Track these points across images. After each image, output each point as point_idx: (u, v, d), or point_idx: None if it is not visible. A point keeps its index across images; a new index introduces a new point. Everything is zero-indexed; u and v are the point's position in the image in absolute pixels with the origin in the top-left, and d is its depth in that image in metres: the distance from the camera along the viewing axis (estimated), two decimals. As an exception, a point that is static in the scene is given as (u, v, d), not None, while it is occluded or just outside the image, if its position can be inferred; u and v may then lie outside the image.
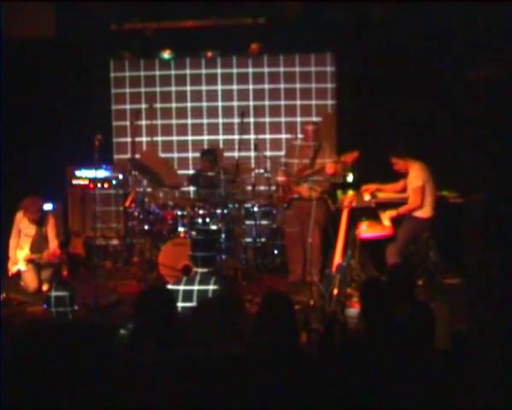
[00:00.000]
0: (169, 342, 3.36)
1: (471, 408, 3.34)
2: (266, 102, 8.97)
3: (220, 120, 9.10)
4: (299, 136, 7.78)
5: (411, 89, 8.27)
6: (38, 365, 3.03)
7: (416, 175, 6.91)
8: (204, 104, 9.11)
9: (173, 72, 9.12)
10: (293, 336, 3.43)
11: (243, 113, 8.11)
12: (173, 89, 9.14)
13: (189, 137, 9.18)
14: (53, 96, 8.80)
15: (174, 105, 9.16)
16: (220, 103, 9.09)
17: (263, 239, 8.37)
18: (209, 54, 8.99)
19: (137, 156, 8.81)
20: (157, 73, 9.16)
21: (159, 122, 9.19)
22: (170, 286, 4.77)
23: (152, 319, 3.42)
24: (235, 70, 9.04)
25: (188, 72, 9.10)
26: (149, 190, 8.41)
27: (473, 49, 7.80)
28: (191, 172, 8.85)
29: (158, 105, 9.15)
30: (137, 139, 8.81)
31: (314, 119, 8.62)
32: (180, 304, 4.56)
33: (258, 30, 8.50)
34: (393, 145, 7.15)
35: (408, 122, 8.26)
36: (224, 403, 3.09)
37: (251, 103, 8.85)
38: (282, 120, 9.00)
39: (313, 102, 8.96)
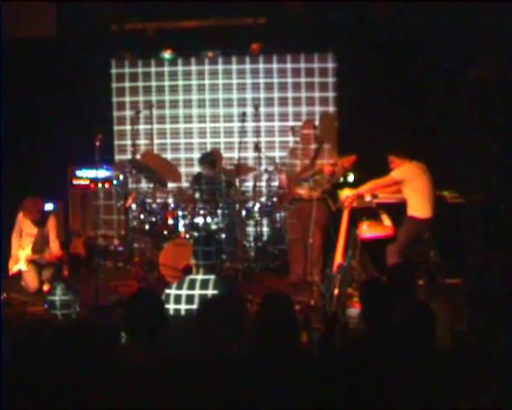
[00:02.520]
0: (159, 344, 3.35)
1: (471, 409, 3.34)
2: (262, 109, 8.98)
3: (221, 125, 9.16)
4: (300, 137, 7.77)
5: (411, 89, 8.28)
6: (38, 364, 3.04)
7: (399, 169, 6.92)
8: (207, 111, 9.17)
9: (181, 82, 9.18)
10: (294, 335, 3.43)
11: (244, 114, 8.12)
12: (180, 97, 9.20)
13: (195, 140, 9.23)
14: (54, 97, 8.80)
15: (181, 111, 9.22)
16: (221, 110, 9.14)
17: (263, 239, 8.39)
18: (210, 54, 9.00)
19: (138, 157, 8.80)
20: (166, 83, 9.21)
21: (168, 126, 9.25)
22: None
23: (141, 322, 3.42)
24: (235, 81, 9.08)
25: (193, 82, 9.14)
26: (150, 190, 8.42)
27: (473, 49, 7.81)
28: (196, 169, 8.87)
29: (167, 111, 9.22)
30: (138, 141, 8.83)
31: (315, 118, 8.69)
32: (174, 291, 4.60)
33: (259, 30, 8.50)
34: (392, 145, 7.14)
35: (408, 122, 8.27)
36: (223, 403, 3.09)
37: (248, 110, 8.82)
38: (276, 124, 9.04)
39: (312, 101, 9.01)
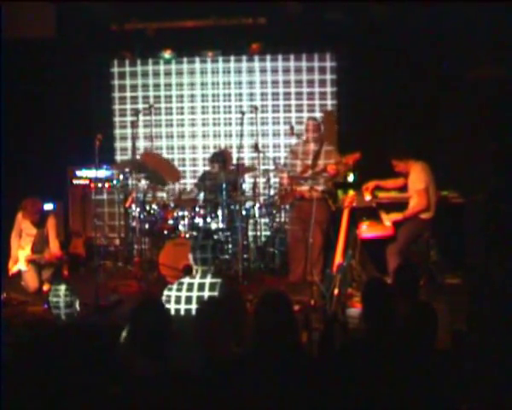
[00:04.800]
0: (162, 356, 3.32)
1: (471, 408, 3.34)
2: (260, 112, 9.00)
3: (222, 128, 9.23)
4: (302, 137, 7.76)
5: (411, 89, 8.28)
6: (38, 364, 3.04)
7: (417, 177, 6.88)
8: (210, 116, 9.24)
9: (186, 92, 9.24)
10: (292, 334, 3.42)
11: (243, 113, 8.13)
12: (186, 104, 9.28)
13: (200, 142, 9.29)
14: (53, 96, 8.80)
15: (187, 117, 9.31)
16: (222, 115, 9.21)
17: (263, 239, 8.39)
18: (210, 54, 9.02)
19: (138, 157, 8.81)
20: (173, 92, 9.27)
21: (175, 130, 9.30)
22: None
23: (145, 332, 3.36)
24: (233, 89, 9.16)
25: (198, 92, 9.21)
26: (150, 189, 8.42)
27: (473, 49, 7.81)
28: (201, 168, 8.90)
29: (176, 117, 9.32)
30: (139, 143, 8.85)
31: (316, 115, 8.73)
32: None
33: (259, 30, 8.51)
34: (394, 146, 7.13)
35: (408, 122, 8.27)
36: (223, 403, 3.09)
37: (247, 110, 8.84)
38: (270, 128, 9.11)
39: (315, 102, 9.02)
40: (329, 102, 8.96)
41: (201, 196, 8.18)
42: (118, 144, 9.36)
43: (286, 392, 3.14)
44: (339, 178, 7.43)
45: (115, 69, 9.30)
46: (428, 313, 3.68)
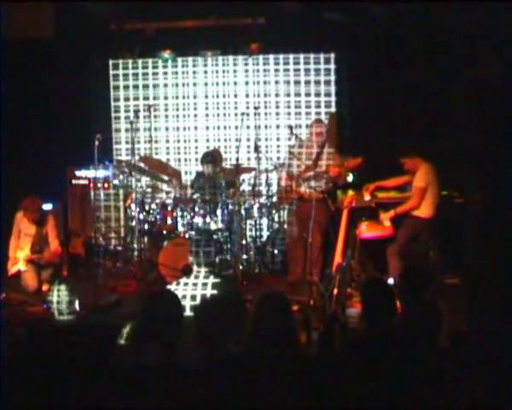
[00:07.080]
0: (174, 344, 3.31)
1: (471, 408, 3.34)
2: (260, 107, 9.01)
3: (222, 131, 9.25)
4: (303, 137, 7.77)
5: (411, 89, 8.28)
6: (38, 364, 3.04)
7: (421, 176, 6.88)
8: (210, 120, 9.25)
9: (187, 94, 9.25)
10: (290, 334, 3.42)
11: (243, 114, 8.13)
12: (187, 106, 9.29)
13: (200, 143, 9.31)
14: (53, 96, 8.80)
15: (189, 120, 9.33)
16: (223, 119, 9.22)
17: (263, 239, 8.39)
18: (209, 54, 9.02)
19: (137, 158, 8.81)
20: (173, 94, 9.29)
21: (182, 132, 9.33)
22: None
23: (160, 321, 3.35)
24: (232, 88, 9.16)
25: (199, 101, 9.23)
26: (149, 190, 8.42)
27: (473, 48, 7.80)
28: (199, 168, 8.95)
29: (178, 120, 9.34)
30: (138, 142, 8.85)
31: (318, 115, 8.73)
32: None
33: (258, 30, 8.51)
34: (403, 144, 7.12)
35: (408, 122, 8.27)
36: (224, 403, 3.09)
37: (247, 110, 8.86)
38: (275, 122, 9.09)
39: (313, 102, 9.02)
40: (329, 99, 8.96)
41: (197, 195, 8.18)
42: (117, 145, 9.35)
43: (285, 392, 3.14)
44: (340, 180, 7.42)
45: (114, 69, 9.29)
46: (433, 314, 3.68)
